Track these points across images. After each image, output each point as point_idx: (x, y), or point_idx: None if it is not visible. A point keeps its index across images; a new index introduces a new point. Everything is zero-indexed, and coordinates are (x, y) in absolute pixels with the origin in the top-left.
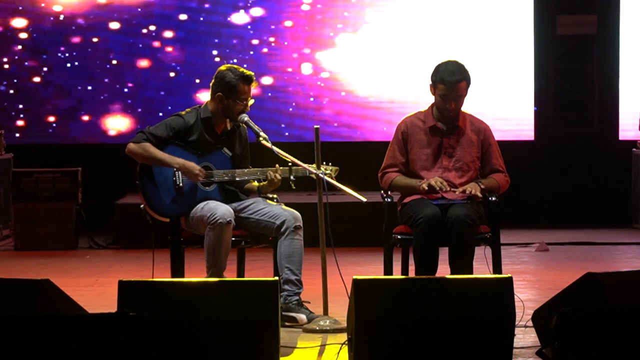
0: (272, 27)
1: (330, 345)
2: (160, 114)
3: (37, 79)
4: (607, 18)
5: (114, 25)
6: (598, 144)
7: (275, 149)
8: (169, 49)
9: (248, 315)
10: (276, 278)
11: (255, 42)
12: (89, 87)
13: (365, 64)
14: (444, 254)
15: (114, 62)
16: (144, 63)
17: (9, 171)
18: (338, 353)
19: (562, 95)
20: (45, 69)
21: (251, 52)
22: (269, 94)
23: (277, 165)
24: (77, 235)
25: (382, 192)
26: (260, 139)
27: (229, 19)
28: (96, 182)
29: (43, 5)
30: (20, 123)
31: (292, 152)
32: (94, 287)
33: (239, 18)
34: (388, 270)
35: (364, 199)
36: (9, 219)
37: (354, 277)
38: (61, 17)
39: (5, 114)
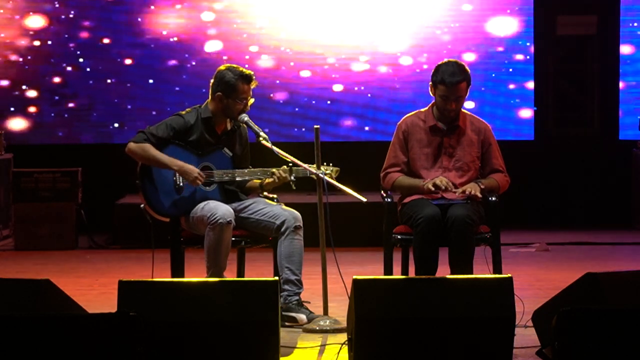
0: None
1: (330, 345)
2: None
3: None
4: (607, 18)
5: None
6: (598, 144)
7: (275, 149)
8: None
9: (248, 315)
10: (276, 278)
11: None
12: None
13: (366, 63)
14: (444, 254)
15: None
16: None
17: (9, 171)
18: (338, 353)
19: (562, 95)
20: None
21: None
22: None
23: (283, 167)
24: (77, 235)
25: (382, 192)
26: (260, 139)
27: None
28: (96, 182)
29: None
30: (31, 109)
31: (292, 152)
32: (94, 287)
33: None
34: (388, 270)
35: (364, 199)
36: (9, 219)
37: (354, 277)
38: (70, 15)
39: (5, 114)
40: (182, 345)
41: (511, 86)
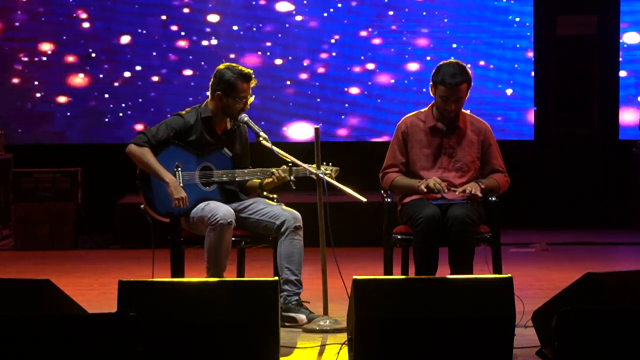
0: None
1: (330, 345)
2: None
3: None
4: (607, 18)
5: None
6: (598, 144)
7: (275, 149)
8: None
9: (248, 315)
10: (276, 278)
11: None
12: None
13: (366, 63)
14: (444, 254)
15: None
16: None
17: (9, 171)
18: (338, 353)
19: (562, 95)
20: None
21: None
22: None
23: (283, 166)
24: (77, 235)
25: (382, 192)
26: (260, 139)
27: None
28: (96, 182)
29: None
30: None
31: (292, 152)
32: (94, 287)
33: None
34: (388, 270)
35: (364, 199)
36: (9, 219)
37: (354, 277)
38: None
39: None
40: (182, 345)
41: (511, 86)
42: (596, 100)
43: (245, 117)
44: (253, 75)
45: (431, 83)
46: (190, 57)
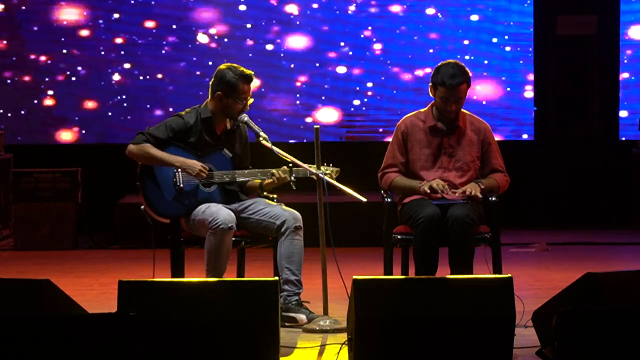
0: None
1: (330, 345)
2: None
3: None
4: (607, 18)
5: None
6: (598, 144)
7: (275, 149)
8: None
9: (248, 315)
10: (276, 278)
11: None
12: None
13: (366, 63)
14: (444, 254)
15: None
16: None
17: (9, 171)
18: (338, 353)
19: (562, 95)
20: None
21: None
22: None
23: (283, 167)
24: (77, 235)
25: (382, 192)
26: (260, 139)
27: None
28: (96, 182)
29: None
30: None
31: (292, 153)
32: (94, 287)
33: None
34: (388, 270)
35: (364, 199)
36: (9, 219)
37: (354, 277)
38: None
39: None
40: (182, 345)
41: (511, 86)
42: (596, 100)
43: (245, 117)
44: (254, 77)
45: (430, 84)
46: (195, 58)
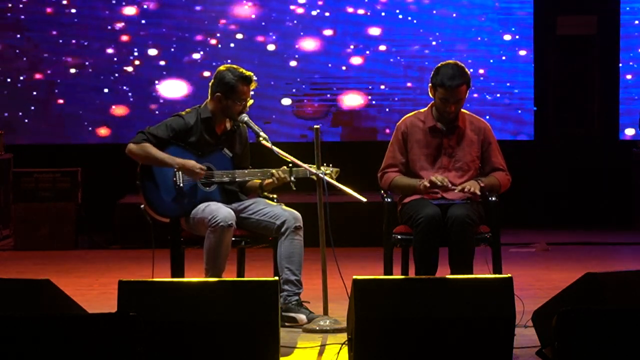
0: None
1: (330, 345)
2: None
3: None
4: (607, 18)
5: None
6: (598, 144)
7: (275, 149)
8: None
9: (248, 315)
10: (276, 278)
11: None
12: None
13: (365, 63)
14: (444, 254)
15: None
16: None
17: (9, 171)
18: (338, 353)
19: (562, 95)
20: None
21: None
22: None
23: (284, 167)
24: (77, 235)
25: (382, 192)
26: (261, 139)
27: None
28: (96, 182)
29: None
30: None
31: (292, 153)
32: (94, 287)
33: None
34: (388, 270)
35: (364, 199)
36: (9, 219)
37: (354, 277)
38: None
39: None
40: (182, 345)
41: (511, 86)
42: (596, 100)
43: (245, 117)
44: (254, 78)
45: (430, 85)
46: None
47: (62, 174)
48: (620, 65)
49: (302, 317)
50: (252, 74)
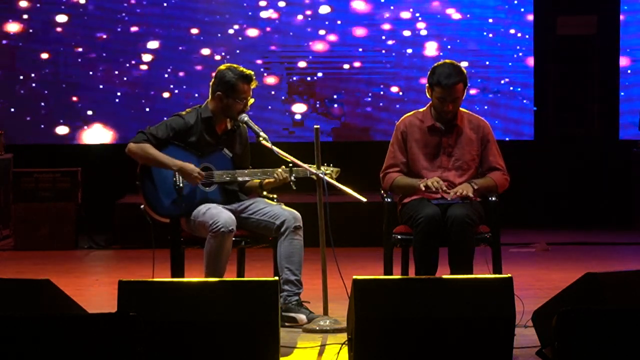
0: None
1: (330, 345)
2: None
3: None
4: (607, 18)
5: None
6: (598, 144)
7: (275, 149)
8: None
9: (248, 315)
10: (276, 278)
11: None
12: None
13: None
14: (444, 254)
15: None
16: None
17: (9, 171)
18: (338, 353)
19: (562, 95)
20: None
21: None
22: (272, 93)
23: (282, 167)
24: (77, 235)
25: (382, 192)
26: (261, 139)
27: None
28: (96, 182)
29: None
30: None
31: (292, 153)
32: (94, 287)
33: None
34: (388, 270)
35: (364, 199)
36: (9, 219)
37: (354, 277)
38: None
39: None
40: (182, 345)
41: (511, 86)
42: (596, 100)
43: (245, 117)
44: (254, 77)
45: (427, 85)
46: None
47: (62, 174)
48: (620, 65)
49: (302, 317)
50: (252, 72)
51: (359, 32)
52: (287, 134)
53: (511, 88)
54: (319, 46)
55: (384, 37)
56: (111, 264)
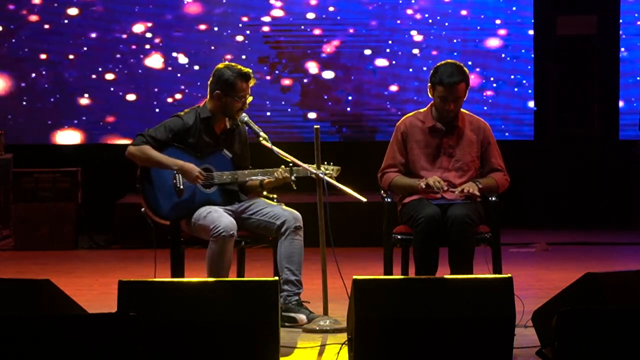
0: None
1: (330, 345)
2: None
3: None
4: (607, 18)
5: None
6: (598, 144)
7: (275, 149)
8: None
9: (248, 315)
10: (276, 278)
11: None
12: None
13: (365, 63)
14: (444, 254)
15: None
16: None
17: (9, 171)
18: (338, 353)
19: (562, 95)
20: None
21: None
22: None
23: (282, 167)
24: (77, 235)
25: (382, 192)
26: (260, 139)
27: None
28: (96, 182)
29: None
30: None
31: (292, 152)
32: (94, 287)
33: None
34: (388, 270)
35: (364, 199)
36: (9, 219)
37: (354, 277)
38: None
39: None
40: (182, 345)
41: (511, 86)
42: (596, 100)
43: (245, 116)
44: (252, 75)
45: (429, 84)
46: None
47: (62, 174)
48: (620, 65)
49: (302, 317)
50: (250, 70)
51: (359, 32)
52: (287, 134)
53: (511, 88)
54: (321, 47)
55: (384, 37)
56: (111, 264)
